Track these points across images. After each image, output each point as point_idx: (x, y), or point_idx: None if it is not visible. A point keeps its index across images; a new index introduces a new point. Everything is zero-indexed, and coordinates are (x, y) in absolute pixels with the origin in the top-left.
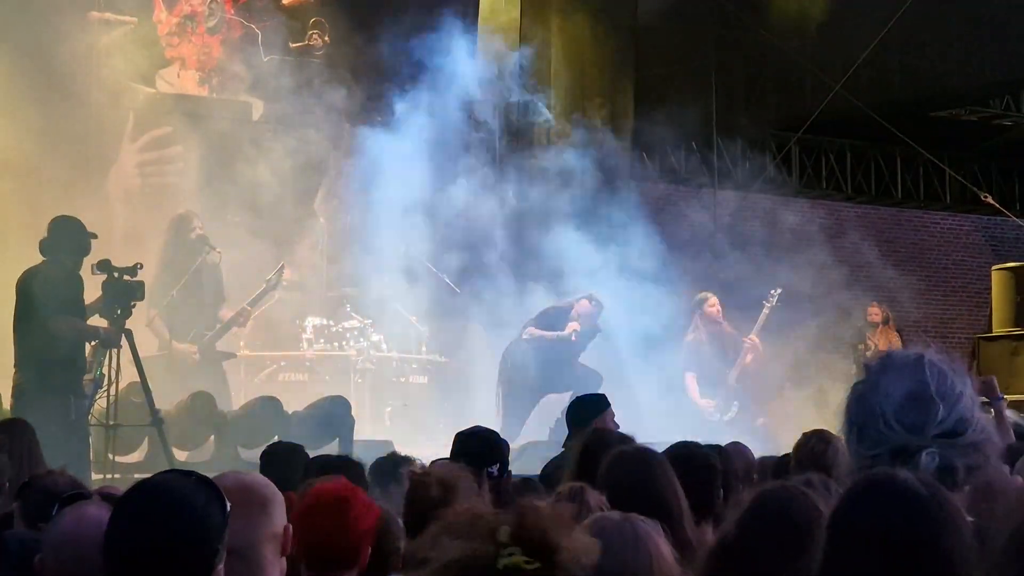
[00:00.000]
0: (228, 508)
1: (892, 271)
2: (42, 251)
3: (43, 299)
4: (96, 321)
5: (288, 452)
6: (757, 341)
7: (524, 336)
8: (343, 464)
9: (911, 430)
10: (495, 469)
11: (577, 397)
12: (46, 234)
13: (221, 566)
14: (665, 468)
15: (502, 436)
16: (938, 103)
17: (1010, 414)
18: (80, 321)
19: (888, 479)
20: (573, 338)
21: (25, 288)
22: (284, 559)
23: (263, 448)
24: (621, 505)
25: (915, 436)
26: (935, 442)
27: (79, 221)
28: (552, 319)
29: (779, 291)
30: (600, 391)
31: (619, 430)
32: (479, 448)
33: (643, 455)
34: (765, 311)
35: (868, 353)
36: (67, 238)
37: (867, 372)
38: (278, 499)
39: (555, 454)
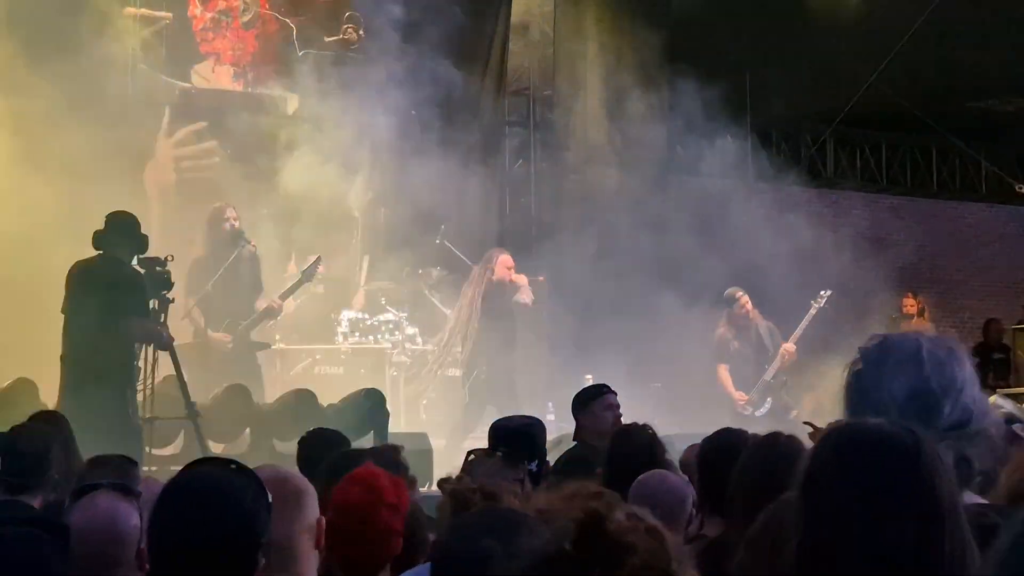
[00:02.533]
0: (271, 500)
1: (928, 262)
2: (97, 244)
3: (109, 296)
4: None
5: (330, 440)
6: (793, 349)
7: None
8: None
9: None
10: (534, 465)
11: (579, 390)
12: (103, 228)
13: (263, 559)
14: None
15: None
16: (974, 94)
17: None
18: (150, 323)
19: (869, 427)
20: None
21: (82, 281)
22: (317, 551)
23: (299, 438)
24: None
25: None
26: (945, 436)
27: (135, 218)
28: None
29: (829, 293)
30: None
31: (619, 415)
32: (518, 444)
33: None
34: (812, 312)
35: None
36: (125, 235)
37: (864, 361)
38: (311, 492)
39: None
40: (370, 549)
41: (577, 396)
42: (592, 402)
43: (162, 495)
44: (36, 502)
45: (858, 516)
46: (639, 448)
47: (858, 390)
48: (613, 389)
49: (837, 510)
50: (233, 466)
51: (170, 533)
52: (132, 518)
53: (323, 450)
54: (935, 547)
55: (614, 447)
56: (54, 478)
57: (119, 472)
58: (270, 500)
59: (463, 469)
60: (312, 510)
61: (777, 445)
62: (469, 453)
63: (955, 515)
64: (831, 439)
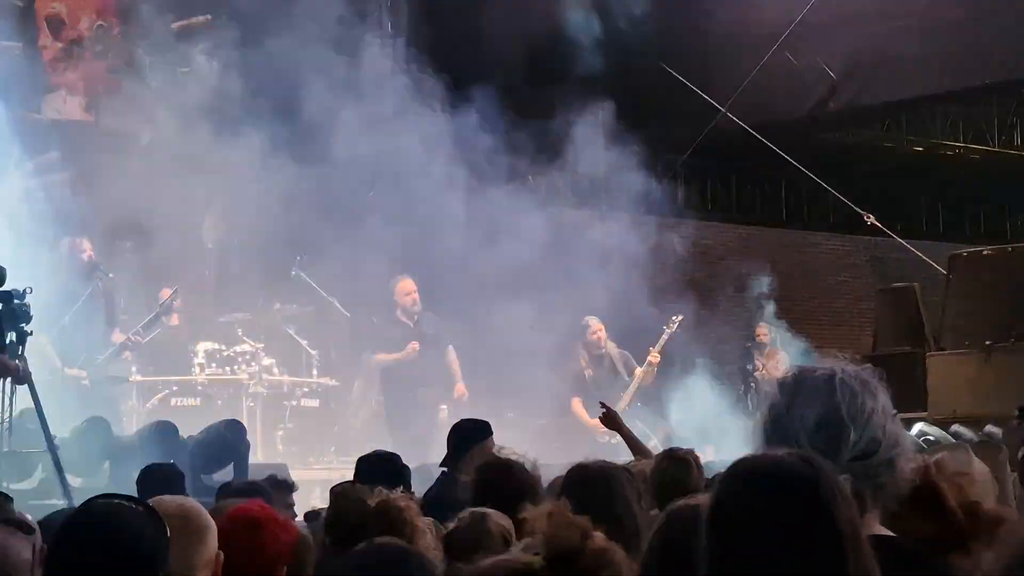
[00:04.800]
0: (169, 536)
1: (777, 292)
2: None
3: None
4: None
5: (167, 476)
6: (658, 358)
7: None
8: (256, 490)
9: (825, 455)
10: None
11: (461, 420)
12: None
13: None
14: (626, 484)
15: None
16: (822, 126)
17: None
18: (3, 356)
19: (767, 459)
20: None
21: None
22: None
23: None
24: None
25: (829, 461)
26: (849, 467)
27: None
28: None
29: (680, 318)
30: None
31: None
32: (382, 473)
33: (605, 471)
34: (665, 337)
35: (756, 374)
36: None
37: (781, 392)
38: (213, 527)
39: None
40: (253, 567)
41: (460, 431)
42: (475, 446)
43: (62, 530)
44: None
45: (761, 549)
46: (516, 479)
47: (772, 420)
48: None
49: (740, 543)
50: (134, 504)
51: (70, 570)
52: (24, 552)
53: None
54: None
55: (486, 478)
56: None
57: None
58: (168, 535)
59: (331, 503)
60: (212, 545)
61: (587, 471)
62: (333, 489)
63: (857, 544)
64: (733, 472)
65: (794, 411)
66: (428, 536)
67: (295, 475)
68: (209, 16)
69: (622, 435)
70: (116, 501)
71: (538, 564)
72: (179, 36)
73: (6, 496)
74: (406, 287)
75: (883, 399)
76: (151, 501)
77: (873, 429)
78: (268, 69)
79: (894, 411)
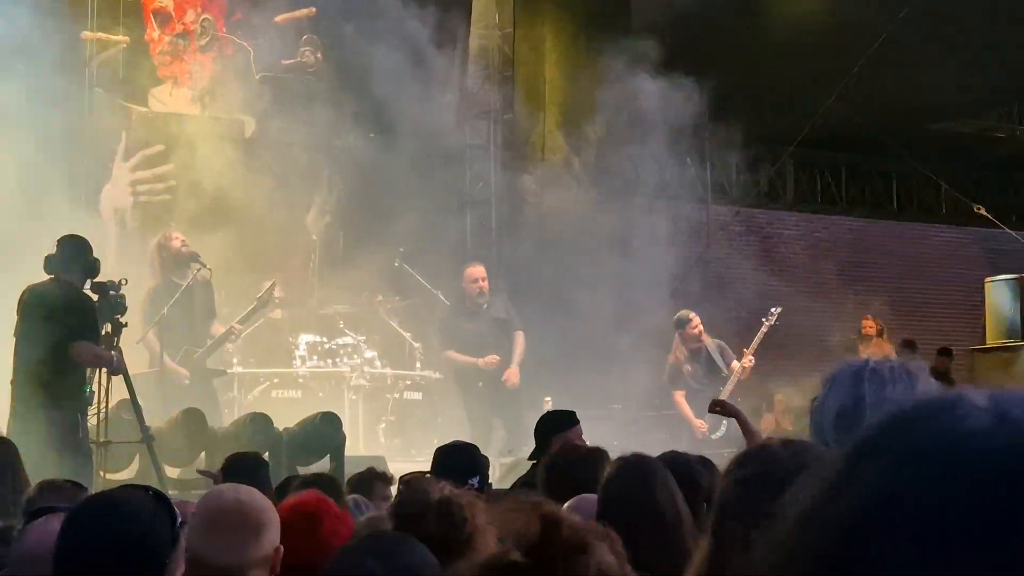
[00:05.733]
0: (179, 521)
1: (888, 284)
2: (48, 268)
3: (60, 320)
4: None
5: (252, 466)
6: (750, 364)
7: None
8: (318, 480)
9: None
10: (475, 482)
11: (546, 412)
12: (55, 251)
13: None
14: (664, 477)
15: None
16: (933, 116)
17: None
18: (99, 348)
19: (763, 448)
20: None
21: (33, 305)
22: None
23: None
24: (617, 514)
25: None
26: None
27: (87, 241)
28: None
29: (779, 310)
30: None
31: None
32: (459, 462)
33: (641, 463)
34: (764, 329)
35: None
36: (76, 258)
37: (822, 383)
38: (274, 522)
39: None
40: (312, 558)
41: (545, 420)
42: (556, 433)
43: (65, 519)
44: None
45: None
46: (584, 468)
47: (811, 412)
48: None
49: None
50: (147, 492)
51: (67, 554)
52: None
53: (246, 479)
54: None
55: (556, 465)
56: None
57: (69, 497)
58: (178, 521)
59: (398, 494)
60: (271, 540)
61: (627, 463)
62: (402, 478)
63: None
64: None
65: (825, 403)
66: (490, 536)
67: (399, 467)
68: (313, 9)
69: (737, 420)
70: (123, 489)
71: (519, 559)
72: (283, 28)
73: (80, 485)
74: (473, 274)
75: (924, 387)
76: (216, 491)
77: None
78: (370, 60)
79: None
